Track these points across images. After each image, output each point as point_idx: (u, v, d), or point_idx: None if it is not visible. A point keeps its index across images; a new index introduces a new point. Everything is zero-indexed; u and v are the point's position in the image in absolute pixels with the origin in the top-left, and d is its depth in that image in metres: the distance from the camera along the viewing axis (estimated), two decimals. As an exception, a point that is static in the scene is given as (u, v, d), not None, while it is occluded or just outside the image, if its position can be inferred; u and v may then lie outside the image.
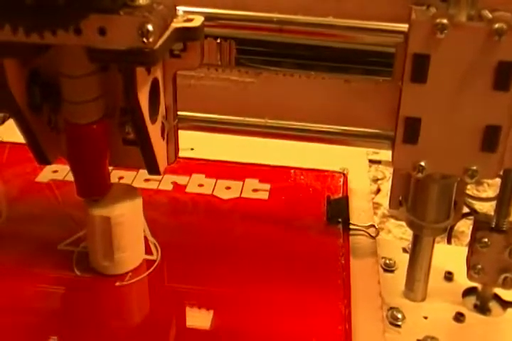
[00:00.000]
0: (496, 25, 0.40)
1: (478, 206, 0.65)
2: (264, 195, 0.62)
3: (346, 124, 0.50)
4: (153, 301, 0.50)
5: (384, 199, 0.85)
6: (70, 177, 0.60)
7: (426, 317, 0.50)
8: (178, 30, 0.41)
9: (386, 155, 0.47)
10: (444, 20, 0.40)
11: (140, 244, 0.52)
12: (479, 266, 0.49)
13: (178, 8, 0.42)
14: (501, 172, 0.46)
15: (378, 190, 0.88)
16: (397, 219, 0.72)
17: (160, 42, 0.38)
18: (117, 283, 0.50)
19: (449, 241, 0.69)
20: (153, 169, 0.46)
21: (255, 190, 0.62)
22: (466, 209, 0.58)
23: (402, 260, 0.54)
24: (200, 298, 0.49)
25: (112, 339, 0.46)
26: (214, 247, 0.54)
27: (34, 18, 0.36)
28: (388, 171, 0.91)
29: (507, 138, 0.43)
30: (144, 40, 0.36)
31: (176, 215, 0.59)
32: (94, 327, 0.46)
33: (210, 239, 0.55)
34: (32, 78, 0.44)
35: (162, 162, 0.47)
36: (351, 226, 0.58)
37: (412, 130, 0.44)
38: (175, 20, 0.41)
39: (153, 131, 0.44)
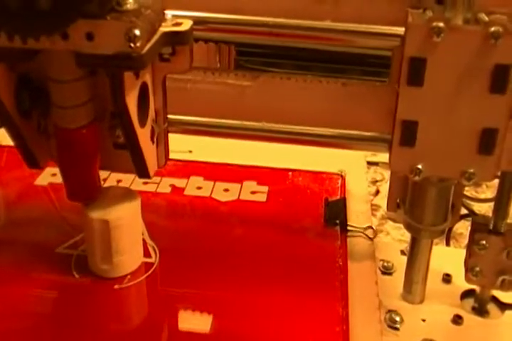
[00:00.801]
0: (492, 29, 0.40)
1: (477, 207, 0.65)
2: (262, 197, 0.62)
3: (343, 127, 0.50)
4: (151, 304, 0.50)
5: (383, 201, 0.85)
6: None
7: (424, 320, 0.50)
8: (166, 34, 0.41)
9: (384, 157, 0.47)
10: (441, 24, 0.40)
11: (138, 247, 0.52)
12: (477, 269, 0.49)
13: (170, 12, 0.42)
14: (499, 174, 0.46)
15: (377, 192, 0.88)
16: (394, 221, 0.72)
17: (148, 46, 0.38)
18: (116, 286, 0.50)
19: (447, 243, 0.68)
20: (143, 173, 0.46)
21: (253, 192, 0.63)
22: (464, 211, 0.58)
23: (400, 262, 0.54)
24: (198, 300, 0.49)
25: None
26: (212, 250, 0.55)
27: (20, 23, 0.36)
28: (387, 173, 0.91)
29: (504, 141, 0.43)
30: (131, 44, 0.37)
31: (175, 218, 0.59)
32: (92, 330, 0.46)
33: (209, 242, 0.56)
34: (21, 83, 0.44)
35: (152, 165, 0.47)
36: (349, 228, 0.58)
37: (409, 133, 0.44)
38: (163, 24, 0.41)
39: (143, 134, 0.44)
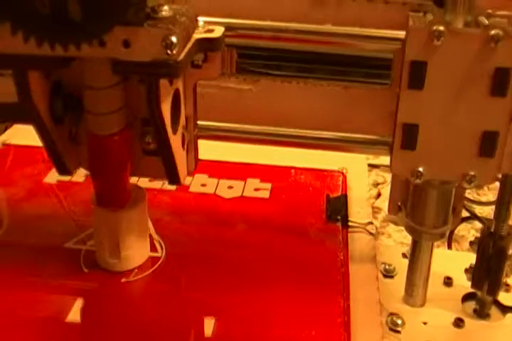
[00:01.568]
0: (492, 32, 0.40)
1: (478, 210, 0.65)
2: (265, 194, 0.63)
3: (344, 131, 0.50)
4: (157, 297, 0.51)
5: (384, 203, 0.85)
6: (77, 178, 0.63)
7: (425, 323, 0.50)
8: (199, 41, 0.41)
9: (386, 159, 0.47)
10: (441, 27, 0.40)
11: (145, 242, 0.53)
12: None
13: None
14: (500, 177, 0.46)
15: (379, 195, 0.88)
16: (396, 224, 0.72)
17: (183, 53, 0.38)
18: (123, 280, 0.51)
19: (449, 246, 0.69)
20: (174, 179, 0.46)
21: (257, 189, 0.64)
22: (466, 214, 0.58)
23: (402, 265, 0.54)
24: (203, 292, 0.50)
25: (117, 333, 0.47)
26: (216, 245, 0.56)
27: (59, 31, 0.36)
28: (389, 176, 0.91)
29: (504, 144, 0.43)
30: (168, 51, 0.37)
31: (180, 214, 0.60)
32: (100, 322, 0.48)
33: (213, 237, 0.57)
34: (54, 90, 0.44)
35: (182, 172, 0.47)
36: (350, 223, 0.59)
37: (409, 136, 0.44)
38: (196, 31, 0.41)
39: (175, 141, 0.44)
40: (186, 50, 0.39)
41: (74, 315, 0.48)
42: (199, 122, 0.49)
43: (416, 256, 0.50)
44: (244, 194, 0.63)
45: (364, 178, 0.68)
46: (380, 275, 0.54)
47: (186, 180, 0.63)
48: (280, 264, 0.53)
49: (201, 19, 0.43)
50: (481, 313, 0.51)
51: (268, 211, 0.61)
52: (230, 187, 0.64)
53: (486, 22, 0.41)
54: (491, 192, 0.91)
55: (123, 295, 0.50)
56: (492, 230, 0.49)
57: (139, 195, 0.51)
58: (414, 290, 0.51)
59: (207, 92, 0.47)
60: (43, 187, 0.63)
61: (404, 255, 0.57)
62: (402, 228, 0.52)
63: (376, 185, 0.90)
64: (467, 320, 0.50)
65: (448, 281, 0.54)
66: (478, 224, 0.63)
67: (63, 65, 0.39)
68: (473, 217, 0.60)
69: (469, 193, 0.54)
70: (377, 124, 0.49)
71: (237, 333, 0.47)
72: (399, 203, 0.51)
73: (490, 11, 0.42)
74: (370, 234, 0.58)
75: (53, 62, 0.39)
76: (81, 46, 0.36)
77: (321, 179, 0.66)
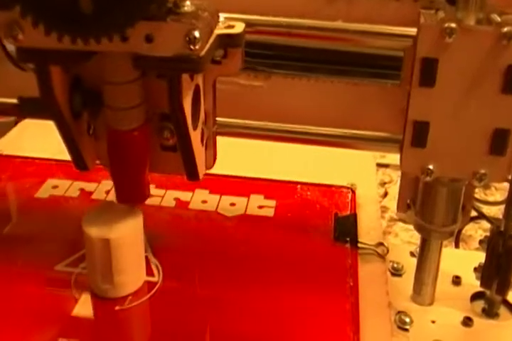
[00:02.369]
0: (505, 29, 0.40)
1: (486, 209, 0.65)
2: (270, 212, 0.60)
3: (354, 128, 0.50)
4: (154, 326, 0.48)
5: (391, 202, 0.85)
6: (70, 193, 0.60)
7: (434, 322, 0.50)
8: (220, 36, 0.41)
9: (393, 158, 0.47)
10: (453, 25, 0.40)
11: (141, 266, 0.50)
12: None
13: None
14: (510, 177, 0.46)
15: (386, 194, 0.88)
16: (405, 222, 0.72)
17: (205, 49, 0.38)
18: (117, 307, 0.48)
19: (456, 245, 0.68)
20: (193, 174, 0.46)
21: (260, 206, 0.61)
22: (473, 213, 0.57)
23: (410, 264, 0.53)
24: (205, 320, 0.47)
25: None
26: (218, 267, 0.53)
27: (81, 25, 0.36)
28: (396, 174, 0.91)
29: (516, 142, 0.43)
30: (191, 46, 0.37)
31: (179, 234, 0.57)
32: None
33: (214, 259, 0.54)
34: (74, 84, 0.44)
35: (201, 168, 0.47)
36: (359, 245, 0.56)
37: (420, 133, 0.44)
38: (217, 26, 0.41)
39: (195, 137, 0.44)
40: (208, 45, 0.39)
41: None
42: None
43: (425, 254, 0.50)
44: (248, 212, 0.60)
45: (374, 195, 0.65)
46: (389, 274, 0.54)
47: (186, 196, 0.61)
48: (285, 287, 0.51)
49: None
50: (489, 312, 0.51)
51: (272, 230, 0.57)
52: (233, 204, 0.61)
53: (499, 19, 0.41)
54: (498, 192, 0.91)
55: (117, 325, 0.47)
56: (502, 229, 0.49)
57: (134, 216, 0.48)
58: (422, 288, 0.51)
59: (218, 88, 0.47)
60: (35, 203, 0.60)
61: (412, 254, 0.57)
62: (409, 227, 0.52)
63: (383, 184, 0.90)
64: (476, 319, 0.50)
65: (456, 280, 0.54)
66: (485, 224, 0.62)
67: (84, 59, 0.39)
68: (482, 216, 0.60)
69: (476, 193, 0.54)
70: (387, 121, 0.49)
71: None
72: (408, 201, 0.51)
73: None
74: (381, 256, 0.55)
75: (74, 57, 0.38)
76: (101, 40, 0.36)
77: (328, 196, 0.63)
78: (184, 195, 0.62)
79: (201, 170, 0.46)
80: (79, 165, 0.47)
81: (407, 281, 0.53)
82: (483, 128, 0.43)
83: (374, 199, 0.64)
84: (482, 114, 0.42)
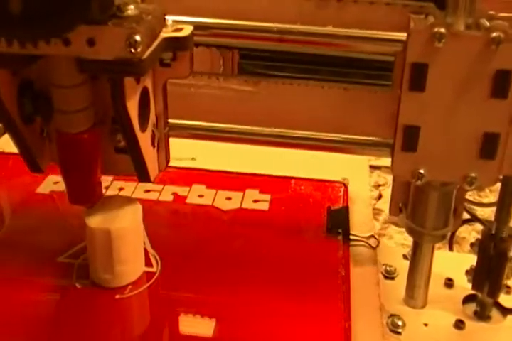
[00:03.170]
0: (493, 34, 0.40)
1: (480, 212, 0.65)
2: (265, 206, 0.62)
3: (346, 132, 0.50)
4: (153, 314, 0.50)
5: (385, 205, 0.85)
6: None
7: (426, 324, 0.50)
8: (167, 39, 0.41)
9: (388, 161, 0.47)
10: (442, 30, 0.40)
11: (140, 257, 0.52)
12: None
13: (173, 17, 0.42)
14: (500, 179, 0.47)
15: (380, 196, 0.88)
16: (397, 225, 0.72)
17: (148, 52, 0.38)
18: (117, 296, 0.49)
19: (450, 248, 0.69)
20: (144, 176, 0.46)
21: (256, 200, 0.62)
22: (467, 215, 0.58)
23: (403, 267, 0.54)
24: (201, 309, 0.49)
25: None
26: (214, 259, 0.54)
27: (21, 28, 0.36)
28: (390, 177, 0.91)
29: (505, 145, 0.43)
30: (132, 50, 0.37)
31: (177, 226, 0.59)
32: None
33: (211, 251, 0.55)
34: (23, 88, 0.44)
35: (153, 169, 0.47)
36: (351, 237, 0.57)
37: (410, 138, 0.44)
38: (164, 29, 0.41)
39: (143, 139, 0.44)
40: (152, 48, 0.39)
41: (67, 333, 0.47)
42: (201, 123, 0.49)
43: (417, 257, 0.51)
44: (243, 205, 0.61)
45: (366, 189, 0.67)
46: (381, 277, 0.54)
47: (183, 191, 0.63)
48: (279, 279, 0.52)
49: (173, 18, 0.43)
50: (481, 315, 0.51)
51: (267, 223, 0.59)
52: (228, 199, 0.62)
53: (487, 24, 0.41)
54: (492, 194, 0.91)
55: (117, 312, 0.49)
56: (493, 232, 0.49)
57: (133, 208, 0.50)
58: (415, 291, 0.51)
59: (208, 93, 0.47)
60: (36, 198, 0.61)
61: (405, 256, 0.57)
62: (403, 229, 0.52)
63: (377, 186, 0.90)
64: (468, 322, 0.50)
65: (449, 283, 0.54)
66: (479, 226, 0.63)
67: (28, 63, 0.39)
68: (474, 218, 0.60)
69: (470, 195, 0.54)
70: (378, 126, 0.49)
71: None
72: (400, 204, 0.51)
73: (492, 12, 0.42)
74: (372, 248, 0.57)
75: (18, 61, 0.39)
76: (38, 44, 0.36)
77: (322, 190, 0.65)
78: (181, 190, 0.63)
79: (153, 172, 0.47)
80: (32, 167, 0.47)
81: (399, 284, 0.53)
82: (473, 132, 0.43)
83: (366, 194, 0.66)
84: (472, 118, 0.43)
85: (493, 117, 0.42)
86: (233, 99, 0.50)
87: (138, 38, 0.37)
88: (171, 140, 0.49)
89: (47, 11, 0.35)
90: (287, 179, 0.66)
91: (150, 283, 0.51)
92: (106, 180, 0.62)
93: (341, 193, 0.64)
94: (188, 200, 0.62)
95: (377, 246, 0.57)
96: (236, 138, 0.52)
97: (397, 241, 0.81)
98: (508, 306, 0.52)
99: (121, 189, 0.62)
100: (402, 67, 0.42)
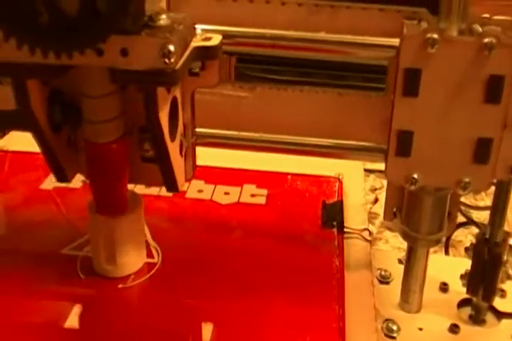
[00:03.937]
0: (486, 40, 0.40)
1: (475, 215, 0.65)
2: (262, 200, 0.64)
3: (340, 138, 0.50)
4: (154, 302, 0.51)
5: (381, 209, 0.85)
6: (74, 185, 0.61)
7: (421, 329, 0.50)
8: (197, 49, 0.41)
9: (383, 165, 0.47)
10: (435, 35, 0.40)
11: (142, 248, 0.53)
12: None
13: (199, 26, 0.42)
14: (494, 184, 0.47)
15: (376, 200, 0.88)
16: (391, 230, 0.72)
17: (181, 62, 0.38)
18: (120, 286, 0.51)
19: (446, 252, 0.69)
20: (172, 186, 0.47)
21: (253, 195, 0.65)
22: (463, 219, 0.58)
23: (398, 271, 0.54)
24: (200, 298, 0.51)
25: (114, 339, 0.47)
26: (213, 251, 0.56)
27: (54, 39, 0.36)
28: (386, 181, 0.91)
29: (498, 150, 0.43)
30: (166, 60, 0.37)
31: (176, 220, 0.61)
32: (98, 328, 0.48)
33: (209, 243, 0.57)
34: (53, 98, 0.44)
35: (180, 179, 0.47)
36: (346, 230, 0.59)
37: (404, 143, 0.44)
38: (194, 39, 0.41)
39: (173, 148, 0.45)
40: (184, 58, 0.39)
41: (72, 321, 0.48)
42: (200, 130, 0.49)
43: (411, 262, 0.51)
44: (241, 200, 0.64)
45: (360, 184, 0.69)
46: (376, 281, 0.54)
47: (183, 186, 0.64)
48: (276, 270, 0.54)
49: (199, 27, 0.43)
50: (476, 319, 0.51)
51: (264, 217, 0.61)
52: (227, 193, 0.64)
53: (480, 30, 0.41)
54: (488, 197, 0.91)
55: (120, 301, 0.51)
56: (487, 236, 0.49)
57: (135, 201, 0.51)
58: (409, 296, 0.51)
59: (203, 99, 0.47)
60: (40, 194, 0.63)
61: (400, 261, 0.57)
62: (399, 233, 0.52)
63: (373, 190, 0.90)
64: (463, 326, 0.50)
65: (444, 287, 0.54)
66: (475, 230, 0.63)
67: (60, 73, 0.39)
68: (470, 222, 0.61)
69: (467, 198, 0.54)
70: (372, 131, 0.49)
71: (234, 338, 0.47)
72: (394, 209, 0.51)
73: (487, 15, 0.43)
74: (366, 240, 0.59)
75: (50, 71, 0.39)
76: (73, 55, 0.36)
77: (317, 185, 0.67)
78: (181, 185, 0.65)
79: (180, 182, 0.47)
80: (59, 176, 0.47)
81: (394, 289, 0.53)
82: (466, 137, 0.43)
83: (360, 189, 0.68)
84: (465, 123, 0.43)
85: (486, 122, 0.43)
86: (228, 105, 0.51)
87: (172, 48, 0.36)
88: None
89: (80, 21, 0.35)
90: (284, 174, 0.68)
91: (151, 273, 0.53)
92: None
93: (336, 188, 0.67)
94: (187, 195, 0.64)
95: (370, 236, 0.59)
96: (231, 143, 0.52)
97: (394, 245, 0.81)
98: (502, 310, 0.52)
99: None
100: (396, 73, 0.42)
